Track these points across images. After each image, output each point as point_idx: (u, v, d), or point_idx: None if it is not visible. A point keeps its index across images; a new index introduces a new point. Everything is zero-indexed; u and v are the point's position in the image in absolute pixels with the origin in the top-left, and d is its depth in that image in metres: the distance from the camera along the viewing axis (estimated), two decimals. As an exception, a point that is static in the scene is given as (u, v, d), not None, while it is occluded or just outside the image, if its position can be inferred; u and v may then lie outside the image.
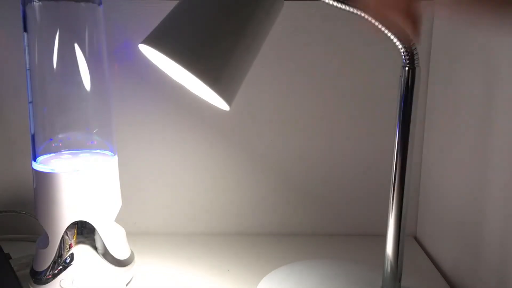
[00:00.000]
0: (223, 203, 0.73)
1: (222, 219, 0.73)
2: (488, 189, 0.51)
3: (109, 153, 0.57)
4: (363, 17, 0.43)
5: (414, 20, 0.35)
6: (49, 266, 0.52)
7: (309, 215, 0.73)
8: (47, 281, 0.52)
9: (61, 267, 0.52)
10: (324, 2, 0.42)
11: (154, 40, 0.40)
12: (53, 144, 0.55)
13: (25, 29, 0.52)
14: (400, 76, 0.45)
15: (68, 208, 0.52)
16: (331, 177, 0.72)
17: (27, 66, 0.53)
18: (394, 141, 0.48)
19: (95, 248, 0.54)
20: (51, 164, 0.53)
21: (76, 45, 0.53)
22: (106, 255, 0.54)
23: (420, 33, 0.35)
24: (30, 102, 0.54)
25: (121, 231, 0.58)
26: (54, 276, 0.52)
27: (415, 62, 0.44)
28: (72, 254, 0.53)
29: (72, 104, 0.55)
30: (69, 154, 0.56)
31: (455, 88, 0.60)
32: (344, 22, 0.67)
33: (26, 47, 0.53)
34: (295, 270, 0.60)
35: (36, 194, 0.53)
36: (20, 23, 0.52)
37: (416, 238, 0.73)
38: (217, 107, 0.47)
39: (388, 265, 0.51)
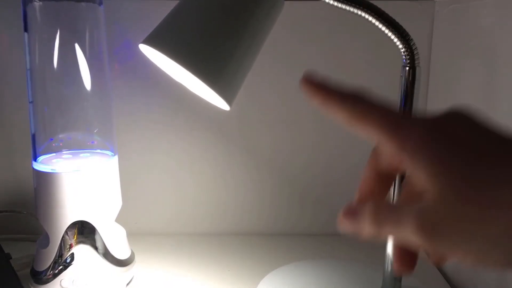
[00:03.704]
0: (222, 203, 0.73)
1: (222, 219, 0.73)
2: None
3: (109, 153, 0.57)
4: (363, 17, 0.43)
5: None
6: (50, 266, 0.52)
7: (310, 215, 0.73)
8: (48, 281, 0.52)
9: (61, 267, 0.52)
10: (324, 2, 0.42)
11: (155, 40, 0.40)
12: (54, 144, 0.55)
13: (26, 29, 0.52)
14: (401, 76, 0.45)
15: (69, 208, 0.52)
16: (332, 176, 0.72)
17: (28, 66, 0.53)
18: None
19: (96, 248, 0.54)
20: (51, 164, 0.53)
21: (76, 45, 0.53)
22: (107, 255, 0.54)
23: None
24: (31, 102, 0.54)
25: (121, 231, 0.58)
26: (55, 276, 0.52)
27: (416, 61, 0.44)
28: (72, 254, 0.53)
29: (73, 104, 0.55)
30: (70, 154, 0.56)
31: (455, 88, 0.60)
32: (344, 21, 0.67)
33: (27, 47, 0.53)
34: (296, 270, 0.60)
35: (37, 194, 0.53)
36: (21, 23, 0.52)
37: (416, 238, 0.73)
38: (217, 106, 0.47)
39: (389, 265, 0.51)
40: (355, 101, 0.27)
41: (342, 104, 0.27)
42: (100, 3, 0.54)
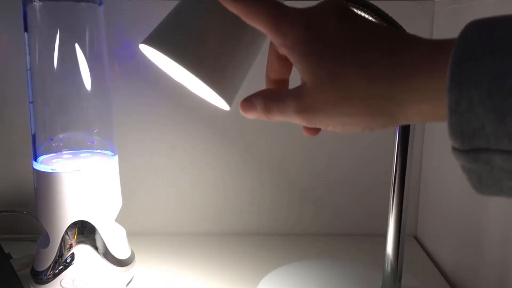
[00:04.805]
0: (222, 203, 0.73)
1: (222, 219, 0.74)
2: (488, 189, 0.51)
3: (109, 153, 0.57)
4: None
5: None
6: (50, 266, 0.52)
7: (310, 215, 0.73)
8: (48, 281, 0.52)
9: (61, 266, 0.52)
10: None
11: (155, 40, 0.40)
12: (54, 144, 0.56)
13: (26, 29, 0.52)
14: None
15: (69, 208, 0.52)
16: (332, 176, 0.72)
17: (28, 66, 0.53)
18: (394, 140, 0.48)
19: (96, 248, 0.54)
20: (51, 164, 0.53)
21: (76, 45, 0.53)
22: (107, 254, 0.54)
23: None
24: (31, 102, 0.54)
25: (121, 231, 0.58)
26: (55, 276, 0.52)
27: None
28: (72, 254, 0.53)
29: (73, 104, 0.55)
30: (70, 154, 0.56)
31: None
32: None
33: (27, 47, 0.53)
34: (295, 270, 0.60)
35: (37, 194, 0.53)
36: (21, 23, 0.52)
37: (416, 238, 0.73)
38: (217, 107, 0.47)
39: (388, 265, 0.51)
40: (247, 1, 0.33)
41: (237, 3, 0.34)
42: (100, 3, 0.54)
